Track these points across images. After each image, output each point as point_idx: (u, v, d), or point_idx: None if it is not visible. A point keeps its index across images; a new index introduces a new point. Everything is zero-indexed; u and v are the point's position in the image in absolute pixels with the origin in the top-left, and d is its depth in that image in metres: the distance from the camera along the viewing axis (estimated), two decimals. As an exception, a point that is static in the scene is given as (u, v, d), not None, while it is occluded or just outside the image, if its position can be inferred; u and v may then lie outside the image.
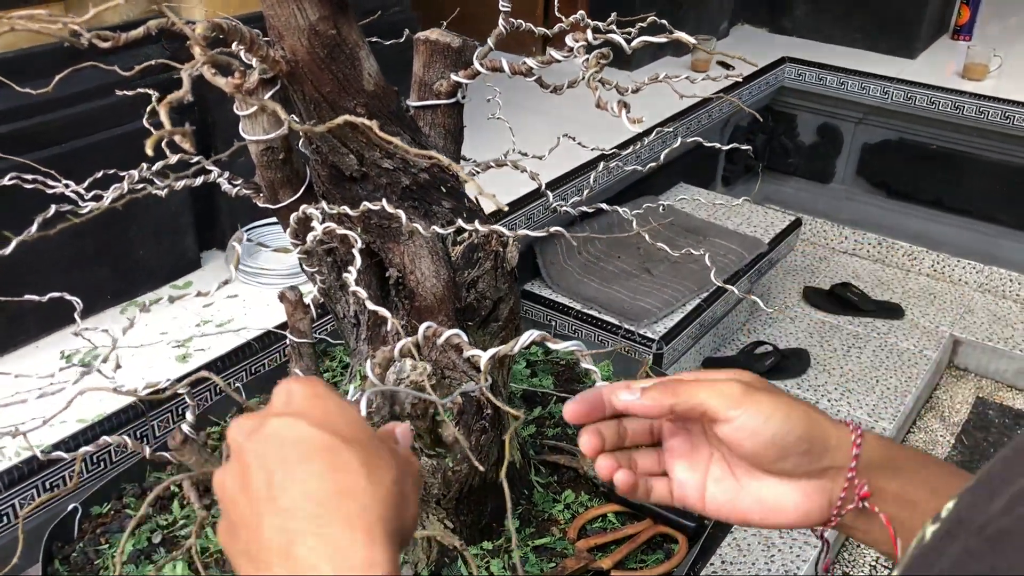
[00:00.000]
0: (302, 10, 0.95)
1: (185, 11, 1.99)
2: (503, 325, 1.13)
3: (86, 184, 1.22)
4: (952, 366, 3.35)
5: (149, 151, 0.60)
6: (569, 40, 1.11)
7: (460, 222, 0.99)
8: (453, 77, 1.20)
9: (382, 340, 1.14)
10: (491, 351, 0.88)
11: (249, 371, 1.85)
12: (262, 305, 2.00)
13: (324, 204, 0.93)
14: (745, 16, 4.08)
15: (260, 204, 1.16)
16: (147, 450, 0.97)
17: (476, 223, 1.04)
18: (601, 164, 1.72)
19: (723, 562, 2.19)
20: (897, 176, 3.76)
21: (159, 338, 1.87)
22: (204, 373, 1.00)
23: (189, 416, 0.98)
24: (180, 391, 0.98)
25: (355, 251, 0.77)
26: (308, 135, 1.07)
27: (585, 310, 2.62)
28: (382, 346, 1.16)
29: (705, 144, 1.43)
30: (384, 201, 0.89)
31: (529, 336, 0.89)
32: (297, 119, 1.07)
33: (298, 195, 1.14)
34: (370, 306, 0.75)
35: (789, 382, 3.01)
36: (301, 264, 1.22)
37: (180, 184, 1.13)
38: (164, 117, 0.69)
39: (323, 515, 0.47)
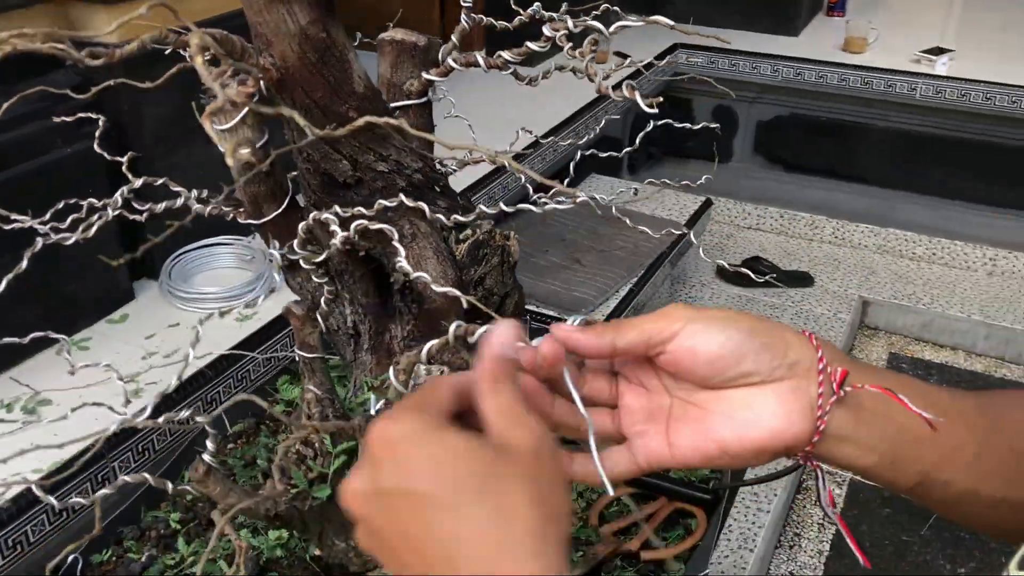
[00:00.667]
0: (292, 14, 0.92)
1: (94, 30, 1.90)
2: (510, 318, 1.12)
3: (48, 216, 1.15)
4: (863, 326, 3.51)
5: (230, 161, 0.57)
6: (547, 30, 1.11)
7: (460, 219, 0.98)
8: (425, 76, 1.19)
9: (386, 349, 1.11)
10: (537, 340, 0.87)
11: (205, 399, 1.78)
12: (206, 330, 1.92)
13: (337, 209, 0.90)
14: (626, 7, 4.17)
15: (242, 220, 1.12)
16: (169, 486, 0.93)
17: (481, 220, 1.03)
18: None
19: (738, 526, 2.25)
20: (792, 150, 3.91)
21: (105, 374, 1.77)
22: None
23: (210, 445, 0.93)
24: (199, 419, 0.94)
25: (401, 262, 0.75)
26: (296, 142, 1.04)
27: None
28: (386, 355, 1.14)
29: (676, 125, 1.46)
30: (402, 195, 0.87)
31: (573, 320, 0.89)
32: (288, 129, 1.03)
33: (282, 207, 1.11)
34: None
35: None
36: (287, 279, 1.19)
37: (160, 207, 1.08)
38: (206, 125, 0.66)
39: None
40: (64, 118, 1.45)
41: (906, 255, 3.68)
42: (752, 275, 1.36)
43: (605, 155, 1.59)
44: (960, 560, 2.55)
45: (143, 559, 1.11)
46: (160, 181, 1.19)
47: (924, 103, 3.54)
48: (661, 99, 0.91)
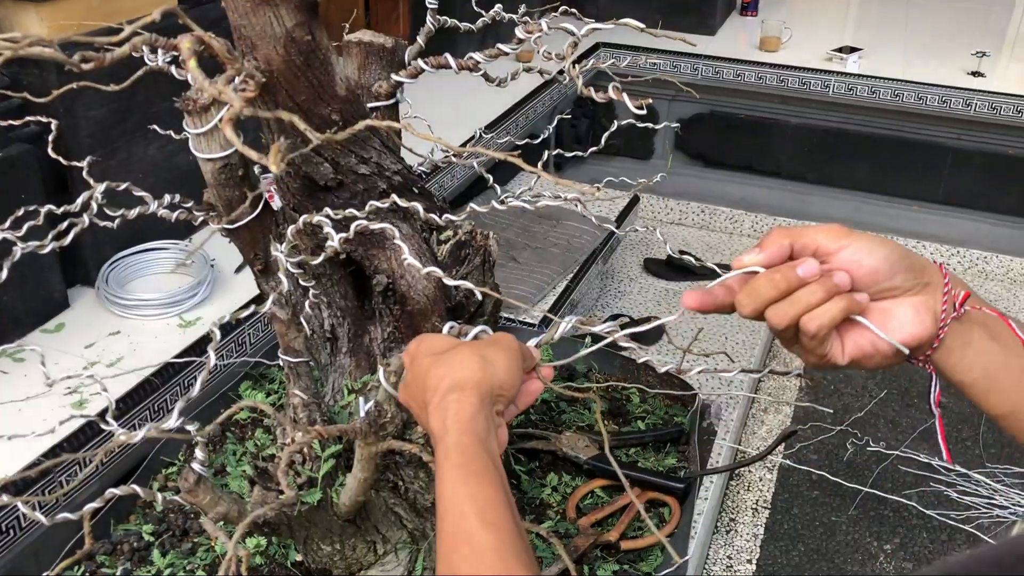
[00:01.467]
0: (278, 17, 0.91)
1: (22, 29, 1.83)
2: (487, 319, 1.14)
3: (8, 223, 1.12)
4: (784, 316, 3.62)
5: (274, 168, 0.57)
6: (520, 32, 1.13)
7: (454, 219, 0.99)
8: (394, 77, 1.19)
9: (366, 351, 1.11)
10: (533, 340, 0.89)
11: (152, 408, 1.73)
12: (149, 337, 1.88)
13: (329, 211, 0.90)
14: (552, 4, 4.21)
15: (214, 225, 1.10)
16: (159, 496, 0.91)
17: (459, 220, 1.04)
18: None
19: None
20: (711, 147, 4.02)
21: (46, 388, 1.71)
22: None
23: (199, 454, 0.92)
24: (188, 427, 0.92)
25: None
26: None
27: (460, 304, 2.64)
28: (366, 357, 1.14)
29: (672, 126, 1.49)
30: (394, 195, 0.88)
31: (567, 322, 0.90)
32: (269, 131, 1.02)
33: (256, 212, 1.09)
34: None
35: (649, 348, 3.16)
36: (259, 283, 1.17)
37: (133, 213, 1.05)
38: (230, 134, 0.65)
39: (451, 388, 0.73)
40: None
41: (822, 247, 3.81)
42: (694, 258, 1.39)
43: (572, 154, 1.60)
44: (885, 537, 2.67)
45: (118, 573, 1.09)
46: (124, 186, 1.16)
47: (837, 100, 3.68)
48: (650, 100, 0.93)
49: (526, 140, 1.66)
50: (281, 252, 0.85)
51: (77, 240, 2.01)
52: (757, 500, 2.78)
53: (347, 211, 0.92)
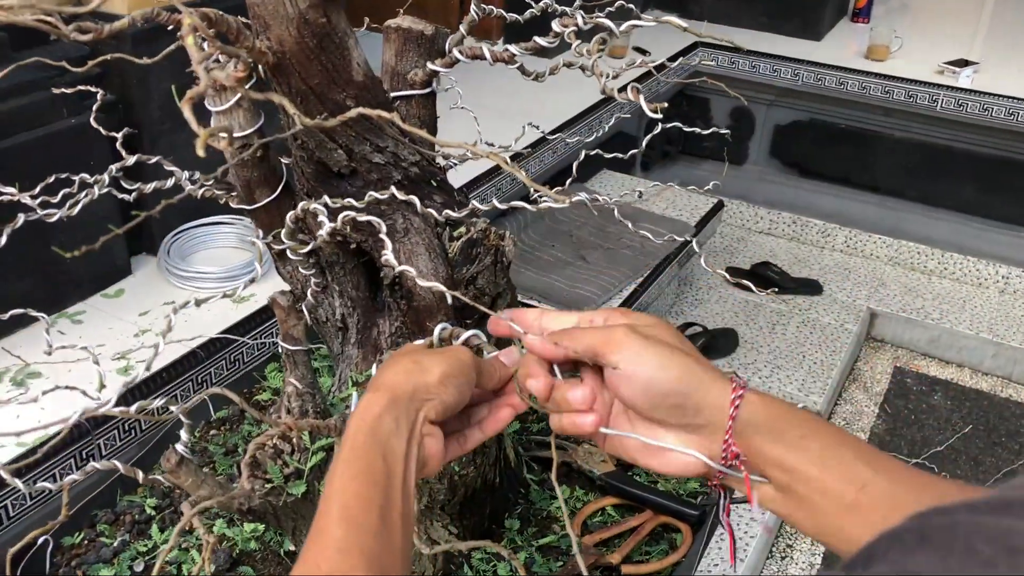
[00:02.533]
0: (291, -3, 0.89)
1: (107, 2, 1.87)
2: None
3: (38, 190, 1.13)
4: (870, 338, 3.46)
5: (200, 151, 0.54)
6: (556, 25, 1.08)
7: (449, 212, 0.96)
8: (430, 66, 1.16)
9: (373, 344, 1.09)
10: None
11: (196, 380, 1.76)
12: (201, 310, 1.90)
13: (327, 199, 0.87)
14: (655, 2, 4.13)
15: (234, 205, 1.10)
16: (140, 475, 0.90)
17: (473, 215, 1.00)
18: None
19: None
20: (808, 156, 3.87)
21: (98, 351, 1.76)
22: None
23: (184, 435, 0.91)
24: (173, 409, 0.92)
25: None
26: (291, 128, 1.01)
27: (523, 300, 2.60)
28: (373, 350, 1.11)
29: (685, 129, 1.43)
30: (393, 188, 0.85)
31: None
32: (285, 115, 1.01)
33: (276, 194, 1.08)
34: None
35: (720, 361, 3.06)
36: (278, 267, 1.16)
37: (149, 188, 1.05)
38: (186, 110, 0.63)
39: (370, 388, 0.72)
40: (64, 90, 1.43)
41: (918, 268, 3.63)
42: (753, 287, 1.32)
43: (610, 155, 1.56)
44: None
45: (115, 544, 1.09)
46: (155, 159, 1.17)
47: (945, 115, 3.48)
48: (666, 105, 0.88)
49: (596, 151, 1.62)
50: (259, 241, 0.83)
51: (143, 209, 2.06)
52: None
53: (346, 200, 0.89)
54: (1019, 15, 4.63)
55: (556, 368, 0.72)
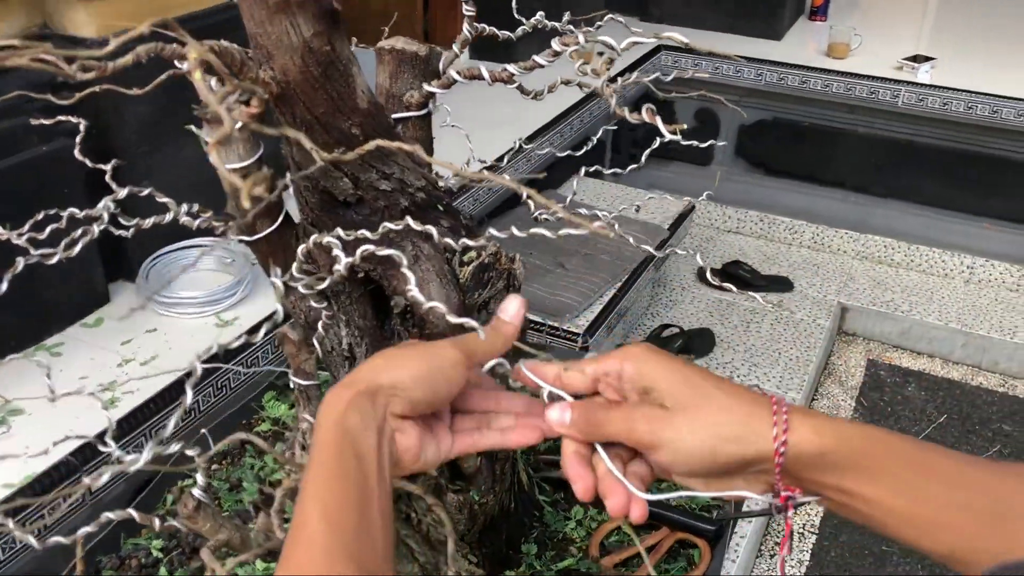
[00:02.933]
0: (296, 27, 0.87)
1: (72, 25, 1.83)
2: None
3: (27, 226, 1.10)
4: (842, 332, 3.51)
5: (246, 202, 0.52)
6: (556, 45, 1.07)
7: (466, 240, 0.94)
8: (426, 87, 1.14)
9: (383, 372, 1.07)
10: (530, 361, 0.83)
11: (184, 411, 1.72)
12: (185, 337, 1.87)
13: (340, 231, 0.85)
14: (614, 7, 4.14)
15: (233, 237, 1.07)
16: (157, 523, 0.88)
17: (484, 241, 0.99)
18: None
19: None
20: (774, 154, 3.90)
21: (80, 383, 1.71)
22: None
23: (200, 479, 0.89)
24: (191, 454, 0.89)
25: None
26: (295, 159, 0.99)
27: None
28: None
29: (683, 142, 1.42)
30: (408, 218, 0.83)
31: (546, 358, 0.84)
32: (288, 144, 0.98)
33: (277, 224, 1.06)
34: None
35: (698, 361, 3.07)
36: (278, 298, 1.14)
37: (148, 223, 1.02)
38: (214, 156, 0.61)
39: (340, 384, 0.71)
40: (42, 120, 1.39)
41: (885, 261, 3.68)
42: (733, 288, 1.31)
43: (593, 168, 1.55)
44: (939, 570, 2.55)
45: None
46: (146, 191, 1.13)
47: (906, 111, 3.54)
48: (684, 126, 0.87)
49: (567, 152, 1.61)
50: (277, 280, 0.80)
51: (120, 237, 2.01)
52: (804, 524, 2.69)
53: (359, 232, 0.87)
54: (965, 7, 4.73)
55: (600, 450, 0.70)
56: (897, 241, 3.63)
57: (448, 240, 0.86)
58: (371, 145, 0.75)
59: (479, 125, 1.46)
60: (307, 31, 0.88)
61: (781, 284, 3.51)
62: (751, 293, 1.36)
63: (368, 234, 0.85)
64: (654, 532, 1.16)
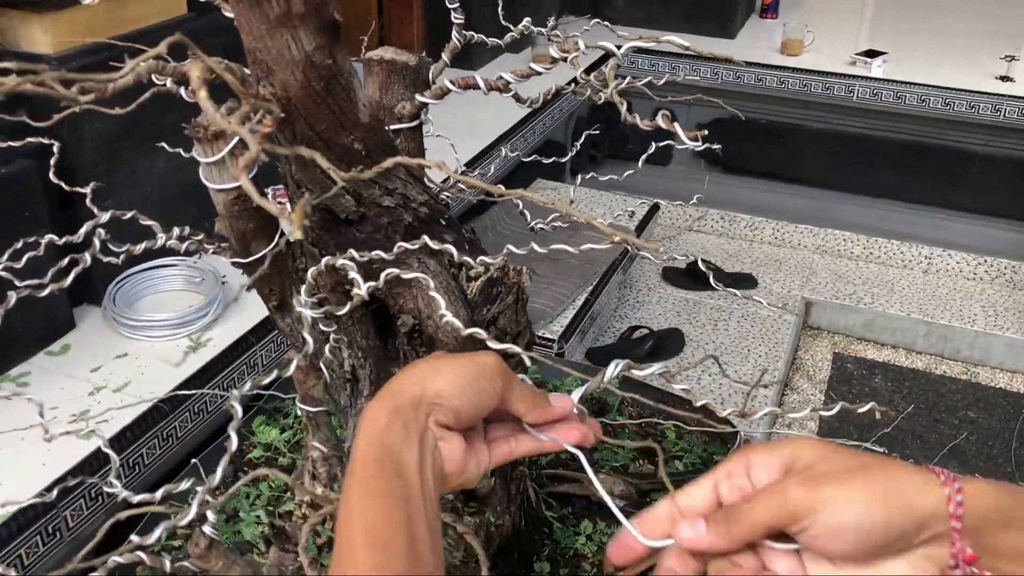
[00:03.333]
0: (297, 40, 0.83)
1: (26, 40, 1.76)
2: (519, 361, 1.06)
3: (6, 256, 1.04)
4: (807, 326, 3.54)
5: (298, 233, 0.49)
6: (554, 52, 1.05)
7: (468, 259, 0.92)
8: (418, 98, 1.11)
9: (389, 393, 1.03)
10: (579, 391, 0.81)
11: (161, 436, 1.66)
12: (157, 361, 1.80)
13: (353, 253, 0.82)
14: (568, 8, 4.13)
15: (227, 259, 1.03)
16: (168, 564, 0.83)
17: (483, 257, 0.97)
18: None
19: None
20: (732, 152, 3.93)
21: (51, 414, 1.64)
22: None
23: (211, 516, 0.84)
24: (208, 499, 0.85)
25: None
26: (294, 177, 0.95)
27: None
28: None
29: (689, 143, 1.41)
30: (426, 237, 0.80)
31: (615, 367, 0.82)
32: (286, 162, 0.95)
33: (273, 245, 1.02)
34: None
35: (669, 362, 3.07)
36: (275, 321, 1.10)
37: (139, 249, 0.98)
38: (245, 182, 0.57)
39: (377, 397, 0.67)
40: (12, 143, 1.34)
41: (845, 255, 3.73)
42: (713, 281, 1.29)
43: (589, 175, 1.53)
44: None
45: (123, 633, 1.01)
46: (129, 215, 1.08)
47: (861, 105, 3.59)
48: (706, 132, 0.85)
49: (533, 155, 1.59)
50: (304, 308, 0.77)
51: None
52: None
53: (373, 253, 0.84)
54: (917, 3, 4.81)
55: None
56: (856, 234, 3.67)
57: (467, 258, 0.83)
58: (390, 162, 0.72)
59: (439, 130, 1.43)
60: (309, 45, 0.84)
61: (745, 281, 3.53)
62: (734, 291, 1.35)
63: (383, 255, 0.81)
64: (667, 544, 1.14)
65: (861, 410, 0.81)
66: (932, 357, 3.40)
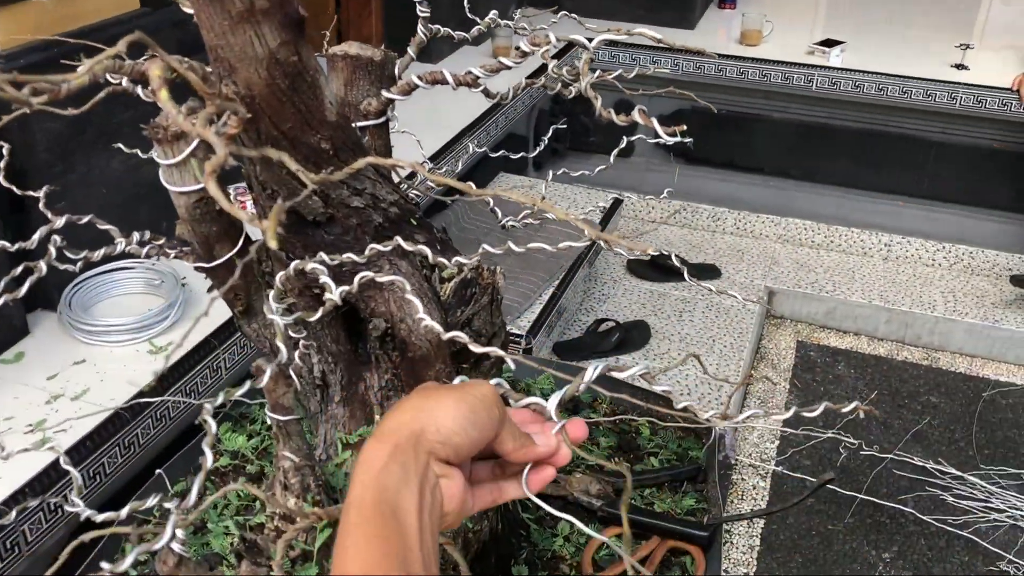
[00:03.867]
0: (260, 37, 0.80)
1: (-28, 39, 1.69)
2: (494, 362, 1.04)
3: (-44, 266, 1.00)
4: (770, 315, 3.56)
5: (272, 243, 0.46)
6: (524, 45, 1.02)
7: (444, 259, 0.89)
8: (385, 94, 1.08)
9: (360, 400, 1.01)
10: (556, 396, 0.79)
11: (123, 444, 1.62)
12: (117, 365, 1.75)
13: (323, 256, 0.79)
14: (526, 0, 4.11)
15: (190, 263, 0.99)
16: (136, 584, 0.80)
17: (456, 255, 0.94)
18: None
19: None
20: (693, 143, 3.93)
21: (5, 425, 1.59)
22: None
23: (180, 533, 0.81)
24: (168, 505, 0.81)
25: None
26: (258, 178, 0.92)
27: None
28: (361, 407, 1.03)
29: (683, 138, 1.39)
30: (398, 238, 0.77)
31: (595, 370, 0.80)
32: (250, 163, 0.91)
33: (237, 248, 0.98)
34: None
35: (636, 354, 3.07)
36: (241, 326, 1.06)
37: (98, 255, 0.94)
38: (212, 187, 0.54)
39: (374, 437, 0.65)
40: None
41: (806, 243, 3.75)
42: (688, 276, 1.29)
43: (560, 171, 1.52)
44: (883, 545, 2.61)
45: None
46: (86, 219, 1.04)
47: (820, 94, 3.61)
48: (684, 127, 0.84)
49: (501, 151, 1.58)
50: (276, 315, 0.74)
51: (33, 258, 1.88)
52: (751, 509, 2.71)
53: (344, 256, 0.81)
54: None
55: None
56: (817, 223, 3.70)
57: (442, 259, 0.80)
58: (362, 163, 0.69)
59: (400, 125, 1.40)
60: (273, 41, 0.81)
61: (708, 272, 3.54)
62: (708, 286, 1.34)
63: (355, 257, 0.79)
64: (644, 543, 1.13)
65: (845, 410, 0.80)
66: (894, 343, 3.43)
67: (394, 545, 0.57)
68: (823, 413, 0.82)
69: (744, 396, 3.14)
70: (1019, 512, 2.68)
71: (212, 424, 0.63)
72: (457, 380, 0.76)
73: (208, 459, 0.62)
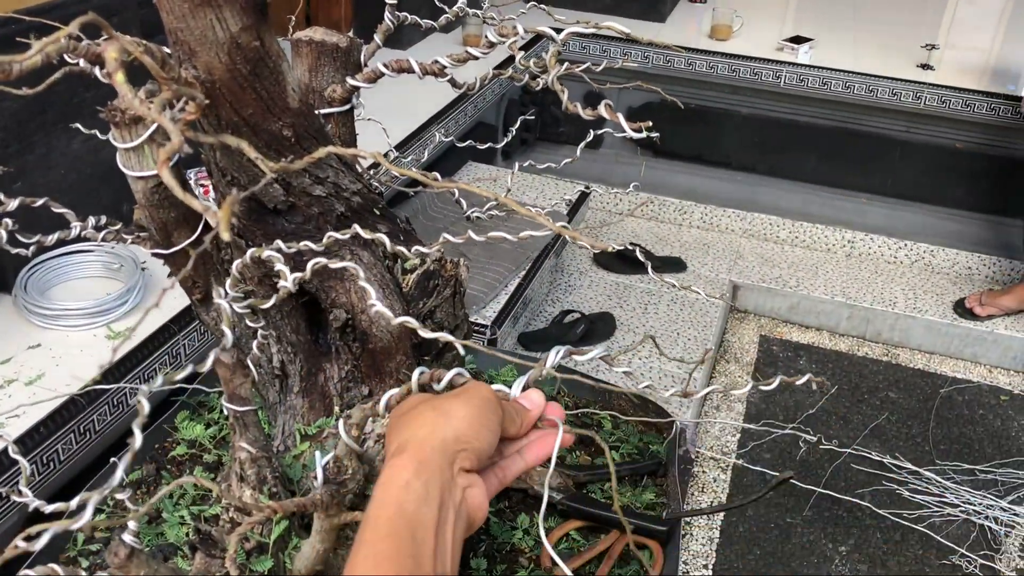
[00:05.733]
0: (222, 20, 0.79)
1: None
2: (457, 354, 1.03)
3: (-96, 248, 0.97)
4: (734, 309, 3.58)
5: (225, 235, 0.45)
6: (492, 35, 1.01)
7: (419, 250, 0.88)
8: (350, 81, 1.07)
9: (320, 391, 1.00)
10: (520, 380, 0.78)
11: (78, 431, 1.59)
12: (74, 350, 1.72)
13: (280, 244, 0.78)
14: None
15: (147, 249, 0.97)
16: (82, 574, 0.79)
17: (423, 246, 0.94)
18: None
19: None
20: (661, 136, 3.94)
21: (-44, 411, 1.56)
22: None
23: (132, 525, 0.79)
24: (120, 496, 0.80)
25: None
26: (218, 164, 0.90)
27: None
28: (320, 398, 1.02)
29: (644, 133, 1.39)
30: (357, 226, 0.76)
31: (556, 354, 0.80)
32: (209, 149, 0.90)
33: (196, 235, 0.97)
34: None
35: (600, 345, 3.08)
36: (199, 314, 1.05)
37: (51, 239, 0.92)
38: (166, 175, 0.53)
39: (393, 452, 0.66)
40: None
41: (771, 239, 3.78)
42: (652, 272, 1.29)
43: (527, 163, 1.50)
44: (840, 538, 2.64)
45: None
46: (40, 202, 1.02)
47: (788, 91, 3.64)
48: (650, 124, 0.83)
49: (468, 141, 1.57)
50: (223, 300, 0.72)
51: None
52: (712, 502, 2.73)
53: (302, 244, 0.80)
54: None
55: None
56: (782, 218, 3.73)
57: (401, 248, 0.79)
58: (323, 152, 0.68)
59: (367, 112, 1.39)
60: (234, 25, 0.80)
61: (674, 265, 3.55)
62: (673, 282, 1.34)
63: (312, 245, 0.78)
64: (603, 537, 1.13)
65: (799, 382, 0.82)
66: (854, 339, 3.47)
67: (406, 565, 0.57)
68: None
69: (707, 385, 3.16)
70: (972, 507, 2.73)
71: (145, 405, 0.63)
72: (417, 372, 0.76)
73: (138, 440, 0.61)
